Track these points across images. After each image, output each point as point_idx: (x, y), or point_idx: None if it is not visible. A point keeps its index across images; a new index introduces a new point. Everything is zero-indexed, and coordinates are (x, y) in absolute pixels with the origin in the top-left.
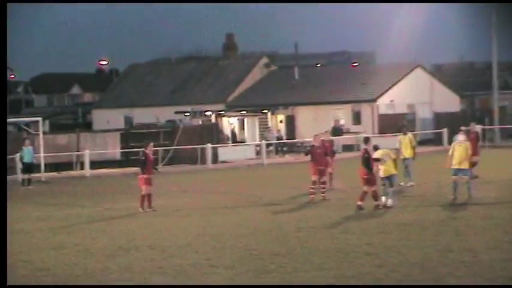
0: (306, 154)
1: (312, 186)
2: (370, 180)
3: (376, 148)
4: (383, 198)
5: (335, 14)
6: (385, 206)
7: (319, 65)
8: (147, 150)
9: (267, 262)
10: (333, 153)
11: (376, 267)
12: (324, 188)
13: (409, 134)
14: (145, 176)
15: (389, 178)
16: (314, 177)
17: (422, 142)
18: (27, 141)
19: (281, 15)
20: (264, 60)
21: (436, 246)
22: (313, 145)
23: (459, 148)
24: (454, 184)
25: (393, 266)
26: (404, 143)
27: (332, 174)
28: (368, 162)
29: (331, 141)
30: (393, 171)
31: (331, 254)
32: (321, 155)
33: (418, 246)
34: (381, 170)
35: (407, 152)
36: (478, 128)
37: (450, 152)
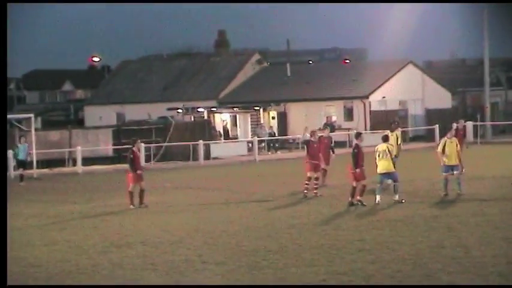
0: (304, 144)
1: (307, 182)
2: (358, 175)
3: (385, 139)
4: (377, 197)
5: (327, 11)
6: (400, 201)
7: (311, 62)
8: (134, 148)
9: (259, 258)
10: (332, 149)
11: (368, 264)
12: (316, 184)
13: (397, 131)
14: (133, 173)
15: (389, 175)
16: (309, 173)
17: (413, 138)
18: (22, 139)
19: (273, 12)
20: (256, 56)
21: (428, 242)
22: (309, 140)
23: (451, 144)
24: (445, 180)
25: (385, 262)
26: (392, 139)
27: (327, 171)
28: (355, 157)
29: (330, 138)
30: (392, 168)
31: (323, 251)
32: (316, 151)
33: (410, 243)
34: (379, 167)
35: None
36: (469, 124)
37: (440, 149)
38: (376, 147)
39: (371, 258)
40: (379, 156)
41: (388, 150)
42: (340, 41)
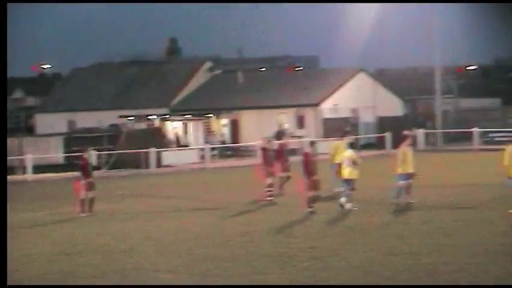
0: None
1: (268, 189)
2: (307, 184)
3: (350, 146)
4: (342, 199)
5: (279, 19)
6: (351, 209)
7: (263, 69)
8: (85, 155)
9: (211, 266)
10: (286, 157)
11: (320, 271)
12: (270, 191)
13: (347, 140)
14: (84, 181)
15: (350, 181)
16: (268, 180)
17: (365, 146)
18: None
19: (225, 19)
20: (208, 64)
21: (379, 250)
22: (265, 147)
23: (409, 153)
24: (399, 189)
25: (337, 270)
26: (341, 148)
27: (289, 178)
28: (305, 166)
29: (286, 145)
30: (355, 175)
31: (275, 258)
32: (272, 158)
33: (362, 250)
34: (344, 173)
35: (339, 158)
36: (420, 132)
37: (401, 158)
38: (342, 154)
39: (323, 266)
40: (344, 163)
41: (352, 158)
42: (293, 49)
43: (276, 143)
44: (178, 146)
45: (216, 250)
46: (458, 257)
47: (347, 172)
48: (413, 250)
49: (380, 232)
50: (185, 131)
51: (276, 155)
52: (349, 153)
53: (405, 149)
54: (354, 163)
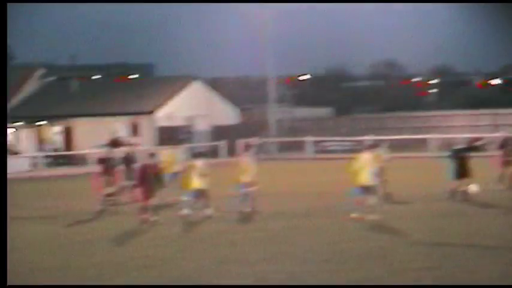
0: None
1: (107, 198)
2: (144, 192)
3: (201, 155)
4: (185, 211)
5: (113, 26)
6: (186, 216)
7: (97, 77)
8: None
9: (40, 275)
10: (131, 166)
11: (153, 279)
12: (109, 200)
13: (179, 149)
14: None
15: (198, 192)
16: (106, 189)
17: (199, 155)
18: None
19: (58, 26)
20: (40, 71)
21: (213, 258)
22: (105, 157)
23: (250, 162)
24: (241, 197)
25: (170, 278)
26: (174, 157)
27: (126, 188)
28: (140, 175)
29: (131, 154)
30: (203, 186)
31: (107, 266)
32: (112, 167)
33: (194, 258)
34: (193, 183)
35: (176, 167)
36: (256, 140)
37: (242, 166)
38: (191, 164)
39: (155, 274)
40: (192, 173)
41: (200, 168)
42: (128, 57)
43: (119, 152)
44: (9, 154)
45: (48, 259)
46: (290, 264)
47: (195, 182)
48: (246, 258)
49: (214, 240)
50: (16, 139)
51: (120, 164)
52: (198, 163)
53: (246, 158)
54: (202, 173)
